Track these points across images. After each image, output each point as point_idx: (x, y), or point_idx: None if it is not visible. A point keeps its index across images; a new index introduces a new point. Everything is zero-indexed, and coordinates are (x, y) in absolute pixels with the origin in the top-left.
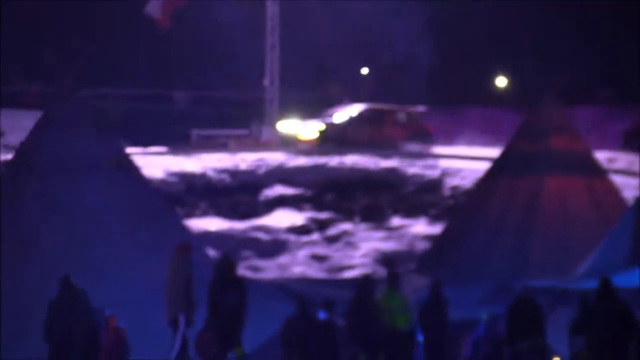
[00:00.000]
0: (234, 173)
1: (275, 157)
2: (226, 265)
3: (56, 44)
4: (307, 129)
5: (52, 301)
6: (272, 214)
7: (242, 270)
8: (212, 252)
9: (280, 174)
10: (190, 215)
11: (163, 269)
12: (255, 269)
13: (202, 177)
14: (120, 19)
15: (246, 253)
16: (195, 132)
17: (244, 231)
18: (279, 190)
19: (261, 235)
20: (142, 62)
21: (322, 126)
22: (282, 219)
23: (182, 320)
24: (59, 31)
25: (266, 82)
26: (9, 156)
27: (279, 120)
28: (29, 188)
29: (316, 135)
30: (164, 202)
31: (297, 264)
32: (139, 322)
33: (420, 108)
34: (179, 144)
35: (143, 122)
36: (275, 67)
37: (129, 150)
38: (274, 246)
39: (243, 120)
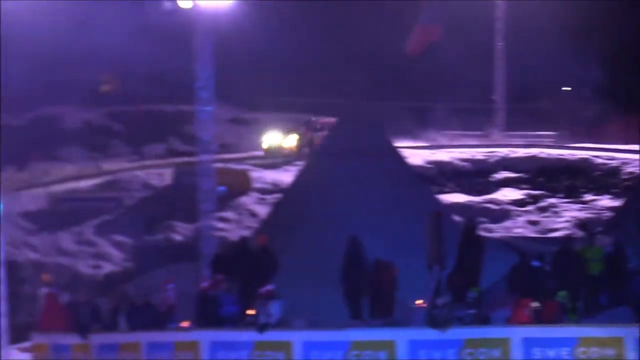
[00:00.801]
0: (473, 161)
1: (501, 150)
2: (469, 227)
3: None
4: (289, 140)
5: (345, 252)
6: (499, 191)
7: (479, 231)
8: (457, 218)
9: (505, 162)
10: (441, 191)
11: (423, 228)
12: (488, 230)
13: (450, 164)
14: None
15: (481, 219)
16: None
17: (479, 203)
18: (504, 174)
19: (492, 206)
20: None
21: (297, 137)
22: (507, 194)
23: (437, 266)
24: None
25: (495, 96)
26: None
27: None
28: (332, 169)
29: (295, 143)
30: (423, 181)
31: (518, 227)
32: (406, 266)
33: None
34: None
35: (406, 124)
36: (501, 84)
37: (398, 144)
38: (501, 214)
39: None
